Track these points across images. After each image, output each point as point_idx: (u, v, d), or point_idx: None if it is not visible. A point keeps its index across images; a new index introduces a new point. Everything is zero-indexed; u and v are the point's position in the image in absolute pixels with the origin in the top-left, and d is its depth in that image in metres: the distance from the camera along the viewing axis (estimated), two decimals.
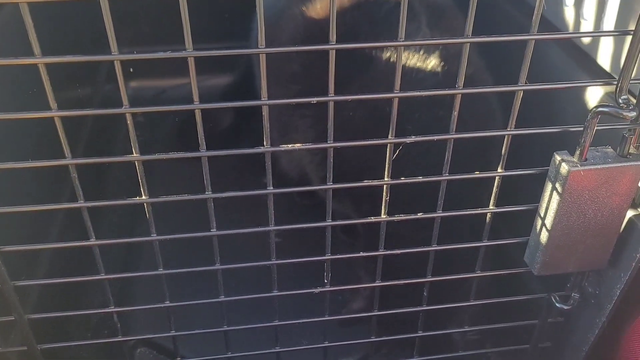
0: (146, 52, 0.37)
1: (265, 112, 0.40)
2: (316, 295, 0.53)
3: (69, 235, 0.45)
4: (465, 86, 0.41)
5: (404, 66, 0.63)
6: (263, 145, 0.41)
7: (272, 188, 0.43)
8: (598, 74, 0.60)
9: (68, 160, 0.40)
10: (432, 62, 0.64)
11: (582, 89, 0.60)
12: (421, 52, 0.63)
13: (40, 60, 0.36)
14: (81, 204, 0.42)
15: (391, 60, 0.63)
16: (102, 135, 0.92)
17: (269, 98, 0.40)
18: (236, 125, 0.99)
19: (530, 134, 0.44)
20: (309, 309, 0.54)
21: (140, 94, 1.27)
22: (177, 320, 0.53)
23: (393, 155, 0.43)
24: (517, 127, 0.44)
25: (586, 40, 0.63)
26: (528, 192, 0.49)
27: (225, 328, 0.53)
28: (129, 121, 0.40)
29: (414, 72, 0.62)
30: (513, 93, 0.42)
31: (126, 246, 0.83)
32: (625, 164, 0.44)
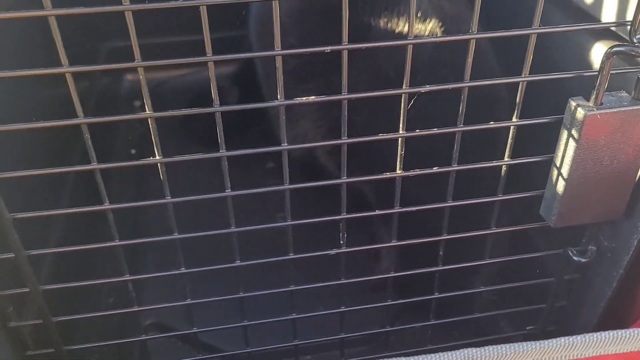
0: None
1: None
2: (332, 261, 0.52)
3: (81, 204, 0.44)
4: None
5: (401, 32, 0.63)
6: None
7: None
8: (604, 35, 0.60)
9: (81, 120, 0.40)
10: (431, 25, 0.64)
11: (588, 49, 0.60)
12: (418, 15, 0.63)
13: (50, 13, 0.35)
14: (94, 166, 0.42)
15: (390, 25, 0.63)
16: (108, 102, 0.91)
17: (267, 74, 0.40)
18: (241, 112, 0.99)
19: (545, 84, 0.44)
20: (325, 276, 0.54)
21: (137, 87, 1.26)
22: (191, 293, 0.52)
23: (408, 105, 0.42)
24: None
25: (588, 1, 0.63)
26: (541, 151, 0.48)
27: (242, 295, 0.52)
28: (142, 75, 0.39)
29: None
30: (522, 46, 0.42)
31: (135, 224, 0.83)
32: None
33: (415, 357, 0.32)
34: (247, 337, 0.56)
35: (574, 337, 0.33)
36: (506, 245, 0.62)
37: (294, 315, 0.55)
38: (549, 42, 0.63)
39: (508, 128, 0.46)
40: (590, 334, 0.34)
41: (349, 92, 0.42)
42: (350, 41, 0.39)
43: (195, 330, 0.54)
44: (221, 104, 0.41)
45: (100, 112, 1.02)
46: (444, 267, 0.54)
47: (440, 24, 0.63)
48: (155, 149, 0.42)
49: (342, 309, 0.55)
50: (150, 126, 0.41)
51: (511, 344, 0.33)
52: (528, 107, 0.47)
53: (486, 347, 0.33)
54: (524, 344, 0.33)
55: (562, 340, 0.33)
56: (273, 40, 0.39)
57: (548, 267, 0.63)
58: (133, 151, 1.08)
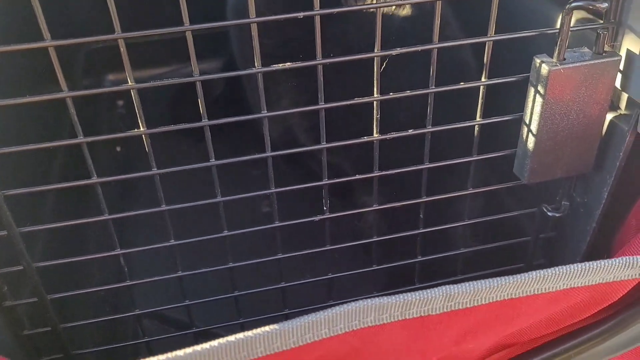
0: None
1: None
2: (317, 232, 0.54)
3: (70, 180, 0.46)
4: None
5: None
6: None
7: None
8: None
9: (65, 93, 0.41)
10: None
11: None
12: None
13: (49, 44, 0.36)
14: (81, 139, 0.43)
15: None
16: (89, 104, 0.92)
17: (244, 57, 0.42)
18: (223, 100, 1.00)
19: (514, 46, 0.46)
20: (311, 246, 0.55)
21: (118, 84, 1.27)
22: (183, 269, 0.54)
23: (380, 68, 0.44)
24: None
25: None
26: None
27: (231, 265, 0.54)
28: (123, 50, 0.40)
29: None
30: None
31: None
32: (602, 60, 0.46)
33: (394, 297, 0.34)
34: (238, 308, 0.58)
35: (545, 270, 0.35)
36: (482, 210, 0.64)
37: (283, 284, 0.56)
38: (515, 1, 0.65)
39: (479, 93, 0.48)
40: (559, 267, 0.36)
41: (324, 65, 0.43)
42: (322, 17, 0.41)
43: (187, 302, 0.55)
44: (205, 95, 0.43)
45: (82, 114, 1.03)
46: (424, 230, 0.56)
47: None
48: (139, 120, 0.44)
49: (330, 275, 0.57)
50: (134, 98, 0.42)
51: (486, 280, 0.35)
52: (499, 70, 0.49)
53: (462, 284, 0.35)
54: (499, 279, 0.35)
55: (534, 273, 0.35)
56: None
57: (524, 228, 0.65)
58: (118, 148, 1.10)
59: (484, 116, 0.50)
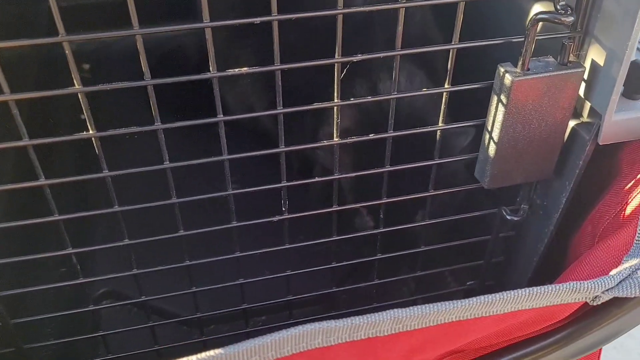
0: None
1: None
2: (276, 227, 0.54)
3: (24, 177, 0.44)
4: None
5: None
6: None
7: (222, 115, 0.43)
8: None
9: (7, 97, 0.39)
10: None
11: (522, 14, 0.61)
12: None
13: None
14: (26, 142, 0.41)
15: None
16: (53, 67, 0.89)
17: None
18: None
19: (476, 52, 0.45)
20: (271, 243, 0.55)
21: (84, 47, 1.22)
22: (138, 259, 0.53)
23: (341, 75, 0.43)
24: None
25: None
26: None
27: (188, 263, 0.53)
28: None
29: None
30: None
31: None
32: (565, 71, 0.45)
33: (341, 321, 0.34)
34: (196, 303, 0.57)
35: (493, 295, 0.36)
36: (445, 206, 0.64)
37: (242, 280, 0.56)
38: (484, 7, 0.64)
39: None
40: (507, 292, 0.36)
41: (286, 57, 0.42)
42: (280, 10, 0.39)
43: (143, 299, 0.55)
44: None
45: (45, 78, 0.99)
46: (385, 230, 0.56)
47: None
48: (88, 123, 0.42)
49: (288, 272, 0.57)
50: (82, 103, 0.40)
51: (434, 304, 0.35)
52: (467, 75, 0.48)
53: (411, 307, 0.35)
54: (446, 303, 0.35)
55: (482, 298, 0.35)
56: None
57: (485, 226, 0.66)
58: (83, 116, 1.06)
59: (450, 118, 0.50)
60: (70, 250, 0.48)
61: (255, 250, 0.54)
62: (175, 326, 0.78)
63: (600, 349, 0.57)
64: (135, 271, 0.52)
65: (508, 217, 0.55)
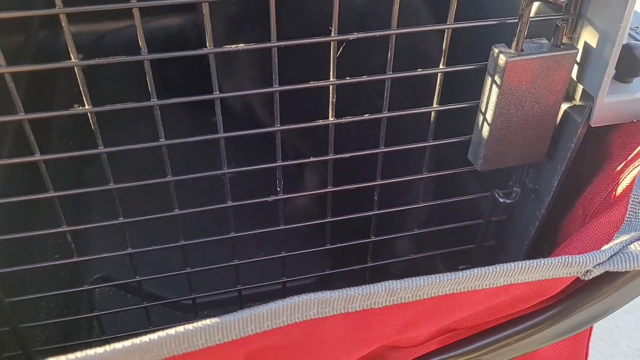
0: None
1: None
2: (272, 209, 0.54)
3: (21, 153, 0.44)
4: None
5: None
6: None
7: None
8: None
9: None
10: None
11: None
12: None
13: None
14: (22, 116, 0.41)
15: None
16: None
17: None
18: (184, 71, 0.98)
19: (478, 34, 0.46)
20: (265, 224, 0.55)
21: (78, 39, 1.22)
22: (133, 243, 0.53)
23: (337, 53, 0.43)
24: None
25: None
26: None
27: (182, 242, 0.53)
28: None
29: None
30: None
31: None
32: (559, 53, 0.45)
33: (336, 292, 0.35)
34: (191, 285, 0.58)
35: (485, 267, 0.36)
36: (436, 189, 0.64)
37: (236, 262, 0.56)
38: None
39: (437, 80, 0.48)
40: (500, 265, 0.36)
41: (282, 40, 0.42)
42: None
43: (137, 279, 0.55)
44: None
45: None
46: (378, 212, 0.56)
47: None
48: (84, 97, 0.42)
49: (283, 254, 0.57)
50: (78, 76, 0.40)
51: (428, 276, 0.36)
52: (460, 57, 0.49)
53: (406, 279, 0.35)
54: (440, 275, 0.36)
55: (475, 271, 0.36)
56: None
57: (477, 209, 0.66)
58: (76, 105, 1.06)
59: (443, 100, 0.50)
60: (65, 228, 0.48)
61: (249, 230, 0.54)
62: (170, 312, 0.78)
63: (590, 333, 0.58)
64: (129, 250, 0.52)
65: (501, 200, 0.56)
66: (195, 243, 0.54)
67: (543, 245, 0.59)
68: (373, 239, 0.58)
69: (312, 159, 0.50)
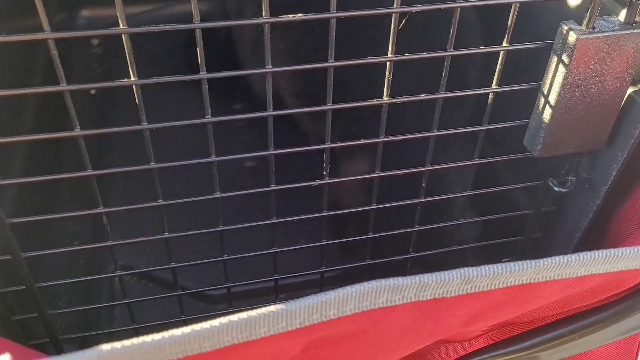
0: None
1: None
2: (312, 197, 0.51)
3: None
4: None
5: None
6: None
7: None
8: None
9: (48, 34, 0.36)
10: None
11: None
12: None
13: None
14: (63, 87, 0.39)
15: None
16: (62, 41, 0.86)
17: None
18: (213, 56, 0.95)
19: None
20: (301, 210, 0.52)
21: (94, 24, 1.19)
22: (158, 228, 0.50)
23: (399, 26, 0.40)
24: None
25: None
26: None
27: (221, 228, 0.50)
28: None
29: None
30: None
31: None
32: (632, 31, 0.43)
33: (408, 278, 0.32)
34: (226, 273, 0.55)
35: (568, 256, 0.33)
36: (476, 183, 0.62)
37: (275, 249, 0.54)
38: None
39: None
40: (583, 253, 0.34)
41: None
42: None
43: (173, 265, 0.52)
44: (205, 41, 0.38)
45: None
46: (424, 200, 0.54)
47: None
48: (130, 69, 0.39)
49: (323, 242, 0.55)
50: (125, 44, 0.38)
51: (506, 264, 0.33)
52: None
53: (482, 267, 0.33)
54: (519, 262, 0.33)
55: (557, 259, 0.33)
56: None
57: (519, 201, 0.63)
58: (93, 92, 1.03)
59: (484, 84, 0.47)
60: (102, 210, 0.46)
61: (289, 217, 0.51)
62: (194, 303, 0.76)
63: None
64: (167, 235, 0.49)
65: (556, 189, 0.53)
66: (229, 232, 0.51)
67: (594, 237, 0.56)
68: (417, 228, 0.56)
69: (362, 140, 0.48)
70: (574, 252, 0.58)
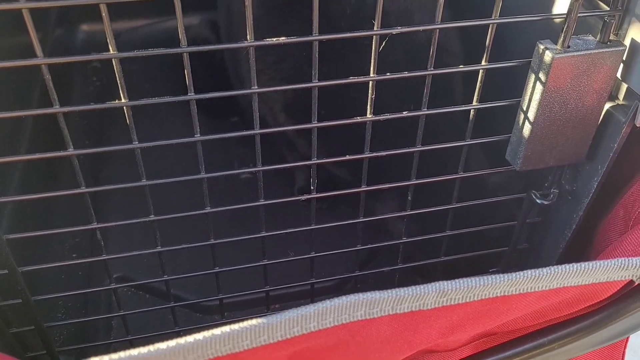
0: None
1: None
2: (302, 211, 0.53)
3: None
4: None
5: None
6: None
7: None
8: None
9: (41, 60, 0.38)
10: None
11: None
12: None
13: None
14: (57, 109, 0.40)
15: None
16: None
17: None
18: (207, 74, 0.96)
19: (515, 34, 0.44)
20: (294, 225, 0.54)
21: (94, 38, 1.21)
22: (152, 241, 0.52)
23: (379, 47, 0.42)
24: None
25: None
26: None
27: (212, 241, 0.52)
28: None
29: None
30: None
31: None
32: (606, 50, 0.44)
33: (385, 292, 0.33)
34: (218, 285, 0.56)
35: (540, 269, 0.35)
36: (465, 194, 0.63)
37: (265, 261, 0.55)
38: None
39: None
40: (555, 266, 0.35)
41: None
42: None
43: (165, 278, 0.54)
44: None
45: (52, 68, 0.98)
46: (410, 212, 0.55)
47: None
48: (121, 91, 0.41)
49: (313, 254, 0.56)
50: (115, 68, 0.39)
51: (480, 277, 0.34)
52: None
53: (457, 280, 0.34)
54: (493, 276, 0.34)
55: (529, 272, 0.34)
56: None
57: (508, 212, 0.64)
58: (92, 103, 1.05)
59: (466, 101, 0.49)
60: (95, 225, 0.47)
61: (278, 230, 0.53)
62: (189, 314, 0.77)
63: (626, 344, 0.56)
64: (159, 248, 0.51)
65: (538, 201, 0.54)
66: (222, 243, 0.52)
67: (578, 248, 0.57)
68: (405, 240, 0.57)
69: (347, 157, 0.49)
70: (558, 262, 0.60)
